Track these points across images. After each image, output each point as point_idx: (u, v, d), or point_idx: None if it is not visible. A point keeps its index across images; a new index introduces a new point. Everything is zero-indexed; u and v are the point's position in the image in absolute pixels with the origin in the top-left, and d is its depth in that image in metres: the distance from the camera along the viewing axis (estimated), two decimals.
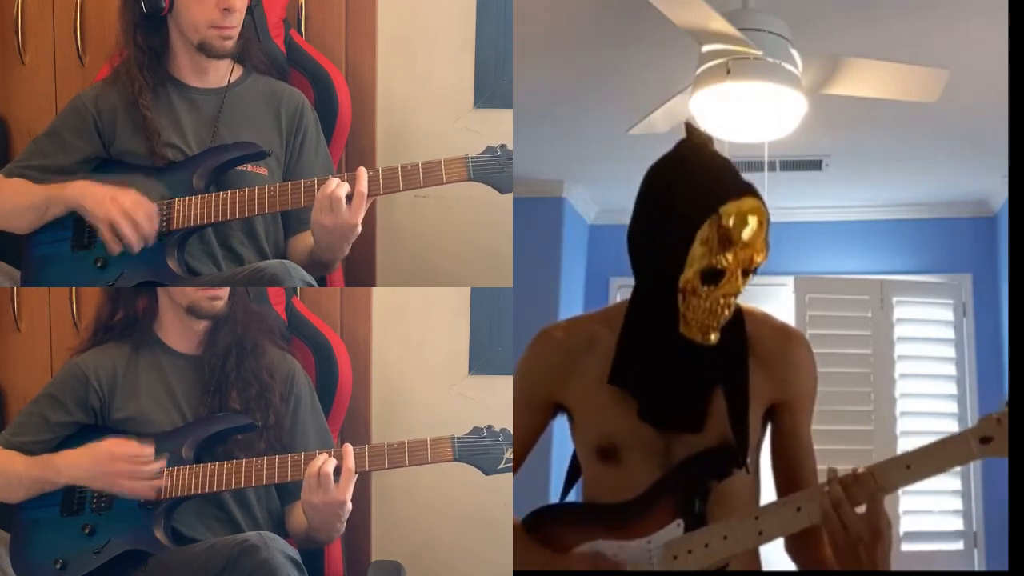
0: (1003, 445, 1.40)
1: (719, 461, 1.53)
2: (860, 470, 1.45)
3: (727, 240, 1.46)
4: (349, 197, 1.98)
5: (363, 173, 2.00)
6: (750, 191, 1.49)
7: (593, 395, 1.59)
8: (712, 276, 1.48)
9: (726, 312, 1.51)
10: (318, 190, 2.01)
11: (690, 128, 1.58)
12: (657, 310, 1.53)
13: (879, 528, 1.43)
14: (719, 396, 1.55)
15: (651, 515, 1.53)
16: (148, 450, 2.03)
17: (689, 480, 1.53)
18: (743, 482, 1.56)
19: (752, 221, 1.47)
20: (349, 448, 2.00)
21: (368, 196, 2.02)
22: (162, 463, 2.03)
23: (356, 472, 1.99)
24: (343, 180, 2.00)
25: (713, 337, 1.51)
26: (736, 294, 1.50)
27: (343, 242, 2.04)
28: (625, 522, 1.54)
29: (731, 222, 1.46)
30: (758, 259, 1.49)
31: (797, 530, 1.50)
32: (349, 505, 1.99)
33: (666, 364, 1.54)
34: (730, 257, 1.47)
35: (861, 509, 1.44)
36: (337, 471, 1.97)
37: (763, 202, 1.50)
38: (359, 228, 2.01)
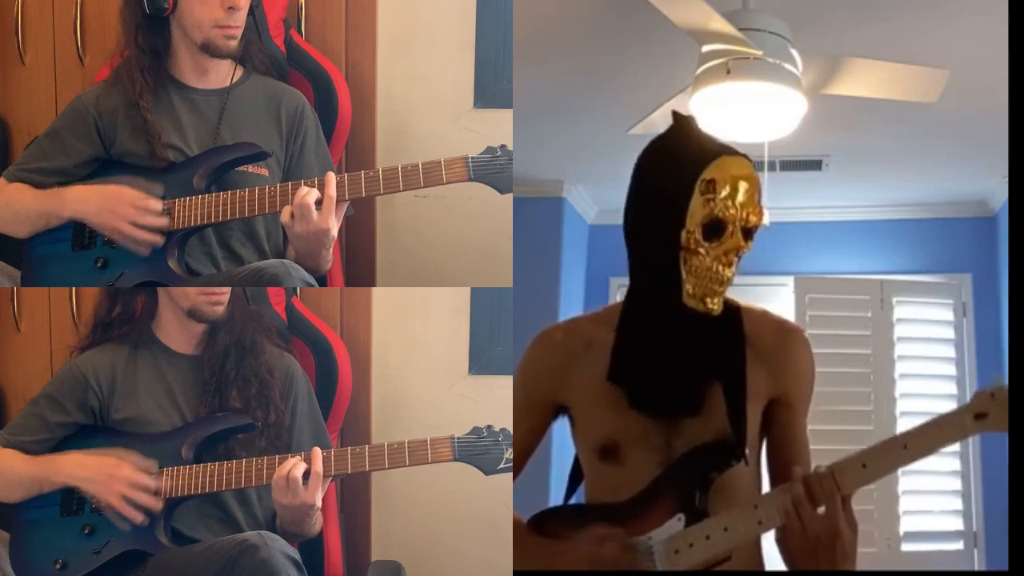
0: (999, 421, 1.36)
1: (718, 454, 1.53)
2: (822, 469, 1.45)
3: (723, 197, 1.51)
4: (320, 203, 1.99)
5: (331, 178, 2.01)
6: (740, 153, 1.55)
7: (593, 395, 1.60)
8: (714, 229, 1.51)
9: (728, 273, 1.53)
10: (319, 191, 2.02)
11: (676, 113, 1.62)
12: (659, 278, 1.54)
13: (837, 528, 1.42)
14: (718, 390, 1.55)
15: (652, 511, 1.53)
16: (147, 478, 2.03)
17: (689, 474, 1.53)
18: (743, 476, 1.56)
19: (743, 184, 1.52)
20: (318, 452, 2.01)
21: (368, 196, 2.02)
22: (160, 481, 2.03)
23: (330, 476, 2.02)
24: (313, 186, 2.00)
25: (715, 304, 1.53)
26: (737, 251, 1.53)
27: (320, 248, 2.03)
28: (627, 519, 1.54)
29: (726, 185, 1.51)
30: (754, 219, 1.53)
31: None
32: (319, 506, 2.01)
33: (664, 346, 1.55)
34: (729, 206, 1.51)
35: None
36: (308, 474, 1.99)
37: (752, 164, 1.55)
38: (333, 233, 2.02)
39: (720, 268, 1.52)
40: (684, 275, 1.53)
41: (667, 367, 1.55)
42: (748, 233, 1.54)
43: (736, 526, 1.49)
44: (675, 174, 1.54)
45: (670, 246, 1.53)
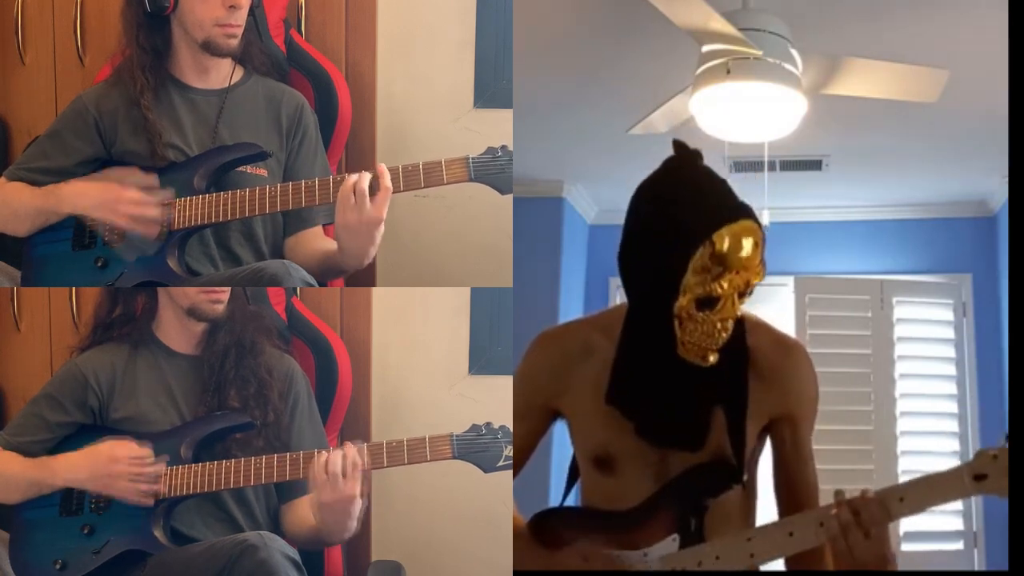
0: (999, 483, 1.35)
1: (716, 478, 1.52)
2: (870, 494, 1.42)
3: (722, 265, 1.42)
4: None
5: (385, 168, 1.99)
6: (743, 213, 1.44)
7: (589, 404, 1.58)
8: (708, 302, 1.45)
9: (724, 334, 1.47)
10: (318, 191, 2.01)
11: (679, 145, 1.53)
12: (653, 335, 1.50)
13: (885, 555, 1.42)
14: (718, 411, 1.53)
15: (649, 527, 1.53)
16: (147, 452, 2.03)
17: (686, 496, 1.52)
18: (737, 494, 1.55)
19: (747, 244, 1.43)
20: (350, 446, 2.00)
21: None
22: (161, 465, 2.02)
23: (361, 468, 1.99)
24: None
25: (712, 358, 1.48)
26: (733, 317, 1.47)
27: (369, 242, 2.01)
28: (624, 530, 1.54)
29: (725, 247, 1.42)
30: (754, 281, 1.46)
31: (789, 554, 1.49)
32: (359, 501, 1.98)
33: (665, 384, 1.52)
34: (725, 284, 1.43)
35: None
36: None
37: (758, 222, 1.45)
38: (383, 226, 2.00)
39: (716, 332, 1.46)
40: (679, 335, 1.47)
41: (668, 401, 1.52)
42: (747, 293, 1.47)
43: (728, 556, 1.48)
44: (669, 245, 1.44)
45: (663, 311, 1.46)
